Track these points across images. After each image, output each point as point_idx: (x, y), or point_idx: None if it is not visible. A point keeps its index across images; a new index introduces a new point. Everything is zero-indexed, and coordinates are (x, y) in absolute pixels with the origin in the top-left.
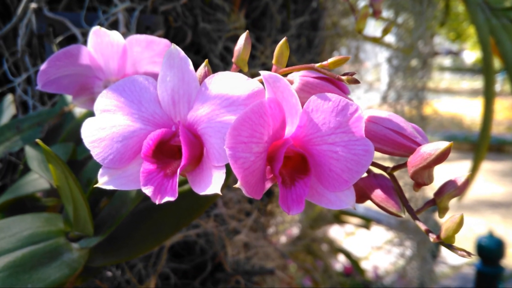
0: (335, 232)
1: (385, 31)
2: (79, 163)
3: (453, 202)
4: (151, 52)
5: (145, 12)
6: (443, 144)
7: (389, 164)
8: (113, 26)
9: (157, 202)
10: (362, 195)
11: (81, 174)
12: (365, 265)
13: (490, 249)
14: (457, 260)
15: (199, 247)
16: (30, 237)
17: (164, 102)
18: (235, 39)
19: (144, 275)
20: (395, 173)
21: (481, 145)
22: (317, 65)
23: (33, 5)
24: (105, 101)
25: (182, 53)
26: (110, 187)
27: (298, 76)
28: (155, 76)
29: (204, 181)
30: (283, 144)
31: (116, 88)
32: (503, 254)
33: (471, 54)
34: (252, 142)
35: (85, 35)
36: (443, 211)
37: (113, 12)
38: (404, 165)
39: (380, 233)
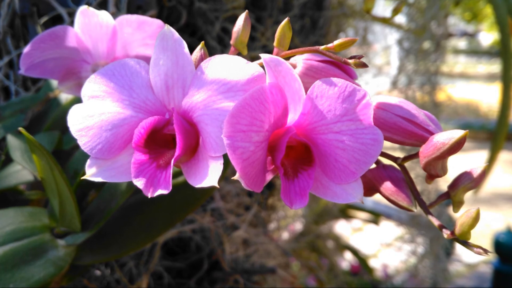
0: (341, 227)
1: (396, 11)
2: (65, 153)
3: (468, 195)
4: (142, 34)
5: None
6: (458, 133)
7: (399, 154)
8: (102, 5)
9: (149, 196)
10: (370, 188)
11: (67, 165)
12: (374, 263)
13: (508, 246)
14: (473, 258)
15: (194, 244)
16: (12, 233)
17: (157, 88)
18: (233, 19)
19: (136, 274)
20: (406, 164)
21: (498, 133)
22: (322, 47)
23: None
24: (93, 86)
25: (176, 34)
26: (98, 179)
27: (301, 60)
28: (147, 59)
29: (200, 172)
30: (285, 133)
31: (105, 73)
32: None
33: (488, 36)
34: (252, 131)
35: (71, 15)
36: (457, 205)
37: None
38: (415, 155)
39: (390, 229)
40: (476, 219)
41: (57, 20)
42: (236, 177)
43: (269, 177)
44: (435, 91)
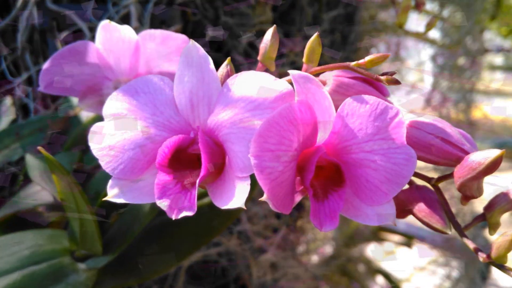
0: (373, 251)
1: (429, 26)
2: (86, 174)
3: (505, 217)
4: (166, 49)
5: (160, 4)
6: (494, 152)
7: (433, 174)
8: (125, 20)
9: (173, 218)
10: (403, 210)
11: (88, 186)
12: (407, 287)
13: None
14: (509, 282)
15: (220, 268)
16: (31, 257)
17: (182, 105)
18: (261, 34)
19: None
20: (440, 185)
21: None
22: (352, 63)
23: None
24: (115, 104)
25: (202, 50)
26: (121, 200)
27: (331, 76)
28: (171, 76)
29: (226, 193)
30: (314, 152)
31: (127, 90)
32: None
33: None
34: (280, 150)
35: (93, 30)
36: (494, 227)
37: (125, 4)
38: (450, 175)
39: (423, 252)
40: None
41: (77, 35)
42: (263, 198)
43: (298, 198)
44: (470, 109)
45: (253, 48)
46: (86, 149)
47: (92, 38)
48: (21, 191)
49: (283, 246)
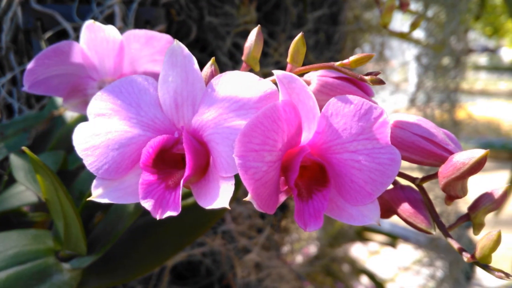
0: (357, 251)
1: (414, 26)
2: (71, 174)
3: (489, 217)
4: (151, 49)
5: (144, 5)
6: (478, 152)
7: (417, 174)
8: (109, 20)
9: (157, 217)
10: (387, 210)
11: (72, 186)
12: (391, 287)
13: None
14: (494, 282)
15: (204, 268)
16: (16, 257)
17: (166, 106)
18: (245, 34)
19: None
20: (425, 185)
21: None
22: (337, 63)
23: None
24: (99, 104)
25: (186, 50)
26: (105, 200)
27: (316, 76)
28: (155, 76)
29: (210, 193)
30: (299, 152)
31: (112, 90)
32: None
33: (510, 52)
34: (265, 150)
35: (77, 30)
36: (478, 227)
37: (109, 4)
38: (434, 175)
39: (407, 252)
40: (497, 241)
41: (62, 35)
42: (248, 198)
43: (282, 198)
44: (454, 109)
45: (238, 48)
46: (71, 149)
47: (77, 38)
48: (5, 191)
49: (268, 246)
